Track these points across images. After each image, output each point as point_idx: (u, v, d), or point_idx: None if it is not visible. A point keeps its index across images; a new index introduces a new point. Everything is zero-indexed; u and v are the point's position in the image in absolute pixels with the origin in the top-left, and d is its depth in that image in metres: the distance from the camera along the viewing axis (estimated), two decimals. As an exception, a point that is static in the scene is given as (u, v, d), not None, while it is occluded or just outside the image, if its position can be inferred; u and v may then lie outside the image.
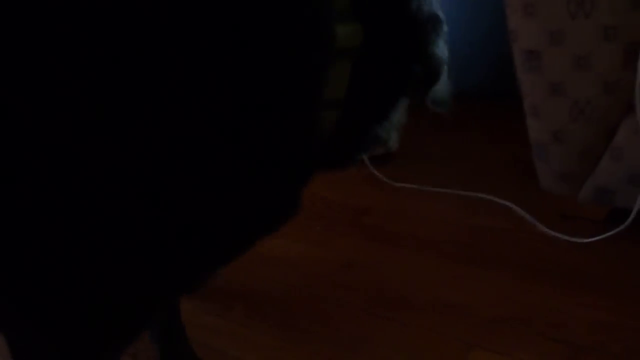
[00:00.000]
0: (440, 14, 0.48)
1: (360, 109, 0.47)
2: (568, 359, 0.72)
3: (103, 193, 0.35)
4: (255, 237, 0.46)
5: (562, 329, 0.76)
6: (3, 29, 0.31)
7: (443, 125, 1.46)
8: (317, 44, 0.40)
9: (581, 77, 0.84)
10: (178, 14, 0.34)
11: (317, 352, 0.78)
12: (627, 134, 0.85)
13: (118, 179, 0.35)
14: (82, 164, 0.35)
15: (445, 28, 0.48)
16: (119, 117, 0.34)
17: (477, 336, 0.77)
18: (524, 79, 0.91)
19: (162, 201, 0.37)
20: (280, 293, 0.91)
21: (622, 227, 0.89)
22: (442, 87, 0.52)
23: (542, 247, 0.94)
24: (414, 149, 1.37)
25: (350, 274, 0.94)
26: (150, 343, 0.72)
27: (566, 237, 0.94)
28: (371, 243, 1.02)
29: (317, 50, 0.40)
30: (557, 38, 0.83)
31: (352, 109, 0.46)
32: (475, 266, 0.92)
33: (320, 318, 0.84)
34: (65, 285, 0.38)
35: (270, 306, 0.89)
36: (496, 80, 1.29)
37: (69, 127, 0.34)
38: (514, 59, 0.91)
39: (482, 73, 1.45)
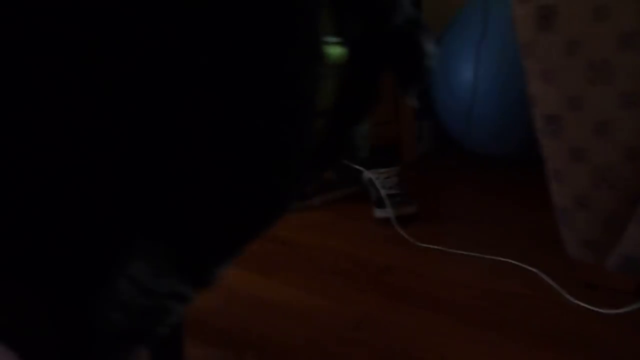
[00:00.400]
0: (416, 14, 0.53)
1: (342, 117, 0.52)
2: None
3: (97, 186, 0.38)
4: (248, 232, 0.49)
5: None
6: None
7: (472, 188, 1.46)
8: (315, 59, 0.45)
9: (601, 144, 0.84)
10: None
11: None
12: (652, 203, 0.83)
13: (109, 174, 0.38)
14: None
15: (423, 24, 0.54)
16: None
17: (486, 403, 0.74)
18: (545, 143, 0.91)
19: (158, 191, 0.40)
20: (291, 345, 0.91)
21: (648, 299, 0.85)
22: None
23: (564, 316, 0.91)
24: (440, 210, 1.37)
25: (361, 330, 0.93)
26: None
27: (591, 307, 0.91)
28: (388, 301, 1.01)
29: (315, 64, 0.45)
30: (576, 103, 0.84)
31: (336, 117, 0.51)
32: (490, 331, 0.89)
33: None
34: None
35: (280, 358, 0.88)
36: (528, 146, 1.29)
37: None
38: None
39: (515, 139, 1.45)
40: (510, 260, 1.08)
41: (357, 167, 1.47)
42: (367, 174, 1.41)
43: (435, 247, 1.18)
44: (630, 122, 0.81)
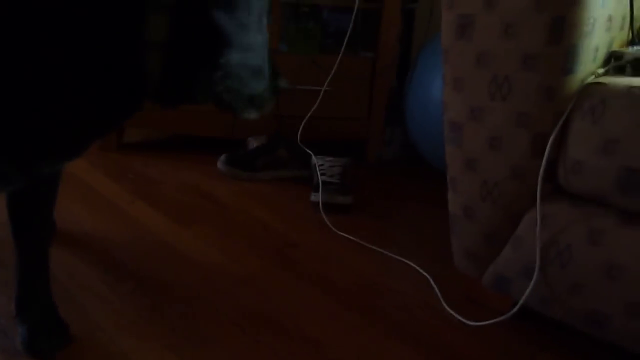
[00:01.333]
0: None
1: (181, 53, 0.57)
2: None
3: None
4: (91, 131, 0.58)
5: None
6: None
7: (417, 198, 1.48)
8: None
9: (493, 158, 0.86)
10: None
11: (167, 336, 0.81)
12: (528, 225, 0.85)
13: None
14: None
15: None
16: None
17: (310, 369, 0.77)
18: (447, 150, 0.93)
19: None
20: (172, 285, 0.96)
21: (504, 317, 0.87)
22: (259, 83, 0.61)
23: (431, 320, 0.93)
24: (373, 209, 1.39)
25: (242, 289, 0.97)
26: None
27: (459, 317, 0.93)
28: (279, 271, 1.04)
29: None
30: (477, 115, 0.86)
31: (174, 52, 0.55)
32: (356, 314, 0.92)
33: (191, 315, 0.87)
34: None
35: (155, 292, 0.93)
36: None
37: None
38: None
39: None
40: (410, 263, 1.11)
41: (308, 151, 1.50)
42: (314, 159, 1.45)
43: (349, 236, 1.21)
44: (519, 142, 0.83)
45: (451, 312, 0.95)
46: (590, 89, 0.78)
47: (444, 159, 1.50)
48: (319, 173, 1.40)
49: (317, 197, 1.34)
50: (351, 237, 1.20)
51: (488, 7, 0.82)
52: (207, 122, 1.65)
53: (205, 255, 1.07)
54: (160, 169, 1.54)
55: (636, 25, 0.94)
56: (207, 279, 0.99)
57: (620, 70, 0.85)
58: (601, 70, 0.84)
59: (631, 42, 0.93)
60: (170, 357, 0.77)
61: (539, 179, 0.82)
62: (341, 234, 1.22)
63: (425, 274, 1.07)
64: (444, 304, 0.97)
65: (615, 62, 0.86)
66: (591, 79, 0.81)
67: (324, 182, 1.37)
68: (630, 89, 0.74)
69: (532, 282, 0.84)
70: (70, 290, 0.91)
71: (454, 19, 0.87)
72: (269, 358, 0.79)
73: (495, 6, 0.81)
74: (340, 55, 1.59)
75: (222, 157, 1.53)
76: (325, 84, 1.60)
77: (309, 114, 1.61)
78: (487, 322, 0.89)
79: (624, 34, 0.93)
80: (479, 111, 0.86)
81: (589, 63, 0.81)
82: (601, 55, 0.85)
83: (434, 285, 1.03)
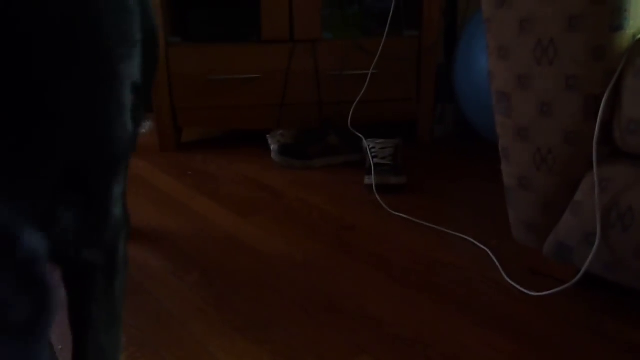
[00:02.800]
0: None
1: None
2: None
3: None
4: None
5: (457, 360, 0.76)
6: None
7: (472, 174, 1.46)
8: None
9: (544, 125, 0.84)
10: None
11: (233, 320, 0.85)
12: (586, 189, 0.83)
13: None
14: None
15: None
16: None
17: (372, 346, 0.79)
18: (497, 120, 0.92)
19: None
20: (235, 274, 1.00)
21: (566, 285, 0.85)
22: None
23: (492, 292, 0.93)
24: (428, 187, 1.39)
25: (301, 272, 1.00)
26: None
27: (519, 288, 0.92)
28: (335, 253, 1.07)
29: None
30: (524, 82, 0.85)
31: None
32: (417, 292, 0.93)
33: (254, 300, 0.92)
34: None
35: (220, 281, 0.98)
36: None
37: None
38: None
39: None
40: (467, 237, 1.10)
41: (359, 135, 1.51)
42: (365, 142, 1.46)
43: (404, 215, 1.21)
44: (570, 106, 0.81)
45: (513, 283, 0.94)
46: (643, 44, 0.75)
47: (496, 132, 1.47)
48: (370, 155, 1.41)
49: (371, 179, 1.35)
50: (406, 217, 1.21)
51: (527, -29, 0.80)
52: (254, 116, 1.70)
53: (266, 244, 1.11)
54: (217, 165, 1.60)
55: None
56: (270, 266, 1.03)
57: (676, 21, 0.80)
58: (655, 23, 0.80)
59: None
60: (238, 339, 0.81)
61: (594, 141, 0.79)
62: (396, 214, 1.23)
63: (483, 247, 1.06)
64: (505, 276, 0.96)
65: (670, 13, 0.81)
66: (644, 33, 0.78)
67: (376, 164, 1.38)
68: (687, 39, 0.70)
69: (594, 248, 0.82)
70: (142, 282, 0.97)
71: (493, -13, 0.85)
72: (332, 337, 0.82)
73: (535, -31, 0.79)
74: (385, 37, 1.58)
75: (275, 148, 1.57)
76: (372, 67, 1.60)
77: (357, 99, 1.62)
78: (550, 292, 0.88)
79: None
80: (526, 78, 0.84)
81: (638, 18, 0.77)
82: (654, 7, 0.81)
83: (494, 258, 1.02)
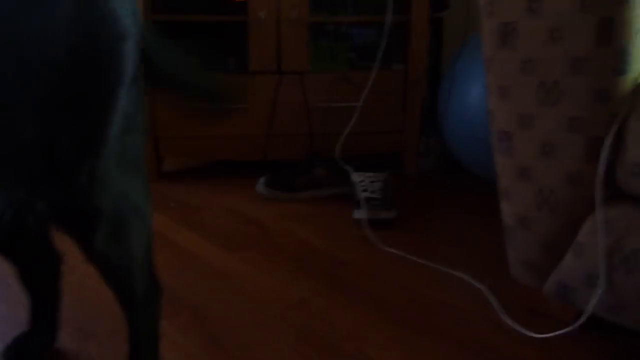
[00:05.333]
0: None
1: None
2: None
3: None
4: None
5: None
6: None
7: (461, 208, 1.46)
8: None
9: (546, 165, 0.84)
10: None
11: (225, 368, 0.81)
12: (589, 231, 0.82)
13: None
14: None
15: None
16: None
17: (377, 393, 0.76)
18: (498, 160, 0.92)
19: None
20: (225, 314, 0.96)
21: (570, 328, 0.84)
22: None
23: (490, 333, 0.91)
24: (419, 222, 1.38)
25: (295, 312, 0.96)
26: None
27: (520, 329, 0.90)
28: (329, 292, 1.04)
29: None
30: (526, 122, 0.85)
31: None
32: (415, 334, 0.90)
33: (249, 343, 0.87)
34: None
35: (211, 322, 0.93)
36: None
37: None
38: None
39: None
40: (462, 275, 1.09)
41: (347, 168, 1.50)
42: (354, 176, 1.44)
43: (396, 251, 1.19)
44: (573, 147, 0.81)
45: (512, 324, 0.92)
46: (645, 88, 0.76)
47: (484, 166, 1.48)
48: (360, 189, 1.39)
49: (360, 213, 1.33)
50: (398, 252, 1.19)
51: (531, 13, 0.80)
52: (240, 146, 1.67)
53: (256, 281, 1.07)
54: (201, 196, 1.56)
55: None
56: (262, 306, 0.99)
57: (673, 66, 0.82)
58: (653, 68, 0.81)
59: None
60: (235, 388, 0.77)
61: (597, 183, 0.79)
62: (388, 249, 1.21)
63: (479, 286, 1.05)
64: (504, 317, 0.94)
65: (667, 57, 0.83)
66: (645, 77, 0.79)
67: (366, 199, 1.36)
68: (690, 85, 0.71)
69: (598, 291, 0.81)
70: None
71: (494, 27, 0.85)
72: (333, 383, 0.78)
73: (538, 11, 0.80)
74: (375, 70, 1.58)
75: (261, 180, 1.54)
76: (362, 99, 1.60)
77: (346, 131, 1.61)
78: (553, 334, 0.87)
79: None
80: (529, 118, 0.84)
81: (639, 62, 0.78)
82: (652, 52, 0.83)
83: (491, 298, 1.01)
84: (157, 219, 1.38)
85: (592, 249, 0.82)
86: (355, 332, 0.91)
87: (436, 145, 1.80)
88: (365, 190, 1.39)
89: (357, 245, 1.24)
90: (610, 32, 0.75)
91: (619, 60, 0.75)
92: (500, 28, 0.85)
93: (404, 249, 1.21)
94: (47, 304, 0.85)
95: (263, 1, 1.57)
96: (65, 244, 0.73)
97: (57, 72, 0.53)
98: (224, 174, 1.76)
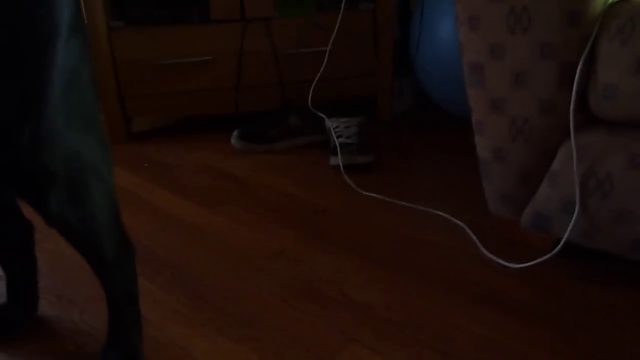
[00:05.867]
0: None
1: None
2: (439, 368, 0.70)
3: None
4: None
5: (449, 342, 0.74)
6: None
7: (437, 147, 1.46)
8: None
9: (519, 95, 0.83)
10: None
11: (213, 320, 0.81)
12: (563, 158, 0.82)
13: None
14: None
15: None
16: None
17: (362, 333, 0.77)
18: (470, 93, 0.90)
19: None
20: (208, 269, 0.95)
21: (548, 255, 0.86)
22: None
23: (471, 267, 0.92)
24: (395, 164, 1.37)
25: (275, 261, 0.96)
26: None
27: (500, 261, 0.91)
28: (310, 239, 1.03)
29: None
30: (498, 52, 0.83)
31: None
32: (396, 273, 0.91)
33: (233, 296, 0.87)
34: None
35: (194, 278, 0.92)
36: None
37: None
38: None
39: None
40: (441, 213, 1.09)
41: (321, 115, 1.47)
42: (328, 122, 1.42)
43: (375, 195, 1.19)
44: (546, 75, 0.80)
45: (492, 257, 0.93)
46: (616, 9, 0.74)
47: (459, 104, 1.47)
48: (335, 135, 1.37)
49: (337, 159, 1.32)
50: (377, 196, 1.19)
51: (497, -64, 0.77)
52: (210, 100, 1.62)
53: (237, 235, 1.06)
54: (174, 154, 1.52)
55: None
56: (243, 258, 0.98)
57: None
58: (624, -13, 0.79)
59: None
60: (222, 340, 0.77)
61: (571, 109, 0.79)
62: (367, 194, 1.20)
63: (458, 222, 1.05)
64: (483, 250, 0.96)
65: (636, -25, 0.81)
66: (615, -3, 0.77)
67: (341, 144, 1.34)
68: (660, 1, 0.69)
69: (573, 217, 0.82)
70: (109, 287, 0.90)
71: (461, -46, 0.82)
72: (319, 327, 0.79)
73: None
74: (341, 11, 1.53)
75: (235, 133, 1.51)
76: (329, 43, 1.56)
77: (317, 77, 1.57)
78: (531, 263, 0.88)
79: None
80: (500, 48, 0.82)
81: (611, -20, 0.76)
82: (621, -30, 0.80)
83: (470, 232, 1.02)
84: (130, 179, 1.35)
85: (567, 176, 0.82)
86: (337, 277, 0.91)
87: (410, 86, 1.77)
88: (340, 136, 1.37)
89: (336, 192, 1.23)
90: (579, -50, 0.72)
91: (588, -20, 0.73)
92: (467, -46, 0.81)
93: (382, 192, 1.20)
94: (23, 274, 0.83)
95: (220, -55, 1.49)
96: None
97: None
98: (196, 130, 1.72)
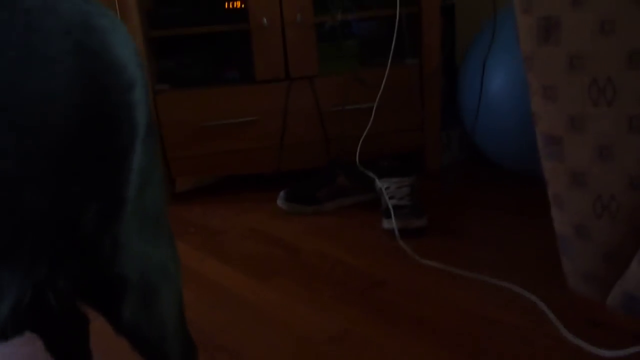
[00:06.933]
0: None
1: None
2: None
3: None
4: None
5: None
6: None
7: (493, 206, 1.39)
8: None
9: (605, 170, 0.76)
10: None
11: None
12: (658, 238, 0.75)
13: None
14: None
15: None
16: None
17: None
18: (545, 165, 0.84)
19: None
20: (266, 353, 0.90)
21: (647, 344, 0.77)
22: None
23: (553, 353, 0.84)
24: (452, 226, 1.30)
25: (339, 346, 0.90)
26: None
27: (589, 347, 0.83)
28: (374, 317, 0.97)
29: None
30: (579, 125, 0.77)
31: None
32: (471, 358, 0.84)
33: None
34: None
35: (252, 366, 0.87)
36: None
37: None
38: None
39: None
40: (511, 287, 1.01)
41: (371, 174, 1.43)
42: (379, 183, 1.37)
43: (435, 264, 1.12)
44: (634, 149, 0.73)
45: (576, 340, 0.85)
46: None
47: (509, 156, 1.41)
48: (387, 197, 1.32)
49: (391, 223, 1.26)
50: (438, 265, 1.12)
51: (576, 6, 0.72)
52: (254, 159, 1.60)
53: (292, 312, 1.01)
54: (220, 216, 1.49)
55: None
56: (303, 340, 0.92)
57: None
58: None
59: None
60: None
61: (666, 186, 0.72)
62: (426, 262, 1.14)
63: (533, 298, 0.98)
64: (565, 332, 0.87)
65: None
66: None
67: (394, 207, 1.29)
68: None
69: (674, 303, 0.74)
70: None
71: (534, 23, 0.77)
72: None
73: (584, 4, 0.72)
74: (388, 66, 1.50)
75: (282, 194, 1.47)
76: (377, 99, 1.52)
77: (364, 133, 1.53)
78: (627, 351, 0.80)
79: None
80: (580, 120, 0.77)
81: None
82: None
83: (547, 310, 0.94)
84: (178, 247, 1.32)
85: (664, 257, 0.75)
86: (409, 365, 0.84)
87: (457, 138, 1.72)
88: (392, 198, 1.32)
89: (392, 260, 1.17)
90: (671, 19, 0.67)
91: (683, 50, 0.68)
92: (541, 23, 0.76)
93: (442, 260, 1.14)
94: None
95: (264, 6, 1.49)
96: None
97: (63, 137, 0.46)
98: (241, 189, 1.69)
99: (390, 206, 1.29)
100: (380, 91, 1.52)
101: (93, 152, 0.49)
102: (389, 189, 1.34)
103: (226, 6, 1.54)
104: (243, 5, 1.53)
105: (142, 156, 0.55)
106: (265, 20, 1.49)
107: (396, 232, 1.23)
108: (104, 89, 0.49)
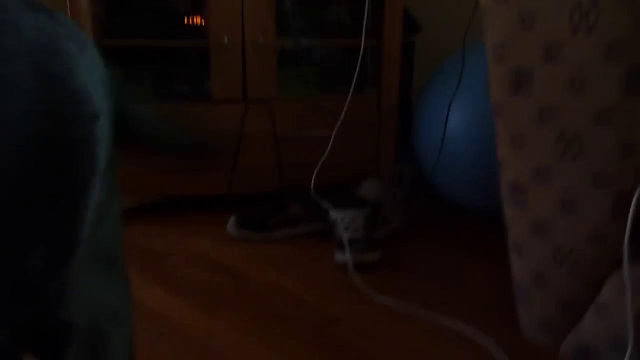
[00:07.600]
0: None
1: None
2: None
3: None
4: None
5: None
6: None
7: (446, 242, 1.40)
8: None
9: (566, 222, 0.78)
10: None
11: None
12: (614, 290, 0.76)
13: None
14: None
15: None
16: None
17: None
18: (508, 213, 0.85)
19: None
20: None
21: (599, 397, 0.78)
22: None
23: (509, 402, 0.84)
24: (405, 261, 1.30)
25: (292, 389, 0.86)
26: None
27: (540, 395, 0.84)
28: (326, 358, 0.94)
29: None
30: (544, 175, 0.78)
31: None
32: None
33: None
34: None
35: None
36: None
37: None
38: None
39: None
40: (464, 330, 1.01)
41: (325, 204, 1.40)
42: (333, 214, 1.35)
43: (391, 303, 1.11)
44: (597, 203, 0.75)
45: (528, 388, 0.86)
46: (673, 141, 0.71)
47: (463, 194, 1.43)
48: (342, 229, 1.30)
49: (344, 257, 1.24)
50: (392, 304, 1.10)
51: (549, 60, 0.74)
52: (202, 180, 1.54)
53: (242, 350, 0.96)
54: (164, 239, 1.42)
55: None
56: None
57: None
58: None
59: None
60: None
61: (625, 241, 0.73)
62: (381, 300, 1.12)
63: (486, 340, 0.97)
64: (517, 379, 0.88)
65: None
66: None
67: (349, 240, 1.27)
68: None
69: (626, 356, 0.75)
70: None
71: (506, 73, 0.78)
72: None
73: (557, 59, 0.73)
74: (350, 96, 1.49)
75: (232, 219, 1.42)
76: (336, 127, 1.50)
77: (320, 162, 1.51)
78: (577, 402, 0.80)
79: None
80: (546, 171, 0.78)
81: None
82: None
83: (500, 354, 0.94)
84: (118, 273, 1.23)
85: (618, 309, 0.76)
86: (364, 412, 0.81)
87: (409, 172, 1.73)
88: (347, 229, 1.30)
89: (346, 296, 1.14)
90: (638, 81, 0.69)
91: (648, 112, 0.70)
92: (513, 74, 0.78)
93: (397, 296, 1.12)
94: None
95: (226, 24, 1.45)
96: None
97: (15, 170, 0.41)
98: (186, 211, 1.62)
99: (345, 239, 1.26)
100: (341, 118, 1.50)
101: (47, 189, 0.44)
102: (344, 219, 1.32)
103: (186, 21, 1.49)
104: (203, 22, 1.48)
105: (100, 191, 0.50)
106: (226, 38, 1.45)
107: (350, 266, 1.21)
108: (64, 119, 0.44)
